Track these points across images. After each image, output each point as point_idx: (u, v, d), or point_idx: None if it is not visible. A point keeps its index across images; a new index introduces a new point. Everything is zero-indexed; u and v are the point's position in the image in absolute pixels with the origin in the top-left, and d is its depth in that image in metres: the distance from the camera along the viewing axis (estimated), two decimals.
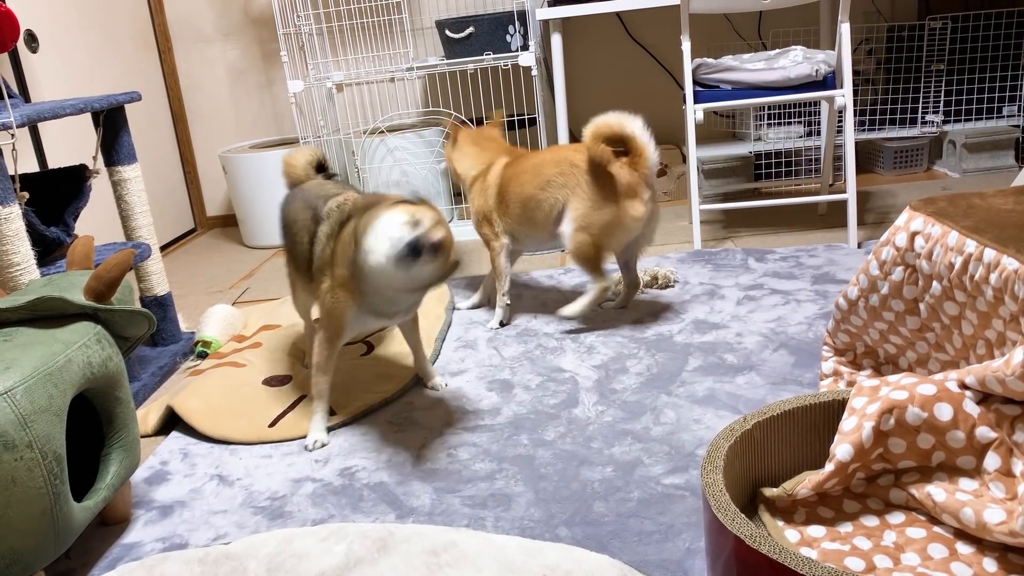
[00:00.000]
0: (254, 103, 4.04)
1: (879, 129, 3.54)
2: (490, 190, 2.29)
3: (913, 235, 1.35)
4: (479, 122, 3.45)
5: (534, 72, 3.26)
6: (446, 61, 3.34)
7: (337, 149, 3.71)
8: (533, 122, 3.52)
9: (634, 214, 2.10)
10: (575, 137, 3.91)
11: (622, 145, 2.09)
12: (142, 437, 1.92)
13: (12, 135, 1.76)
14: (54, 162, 2.94)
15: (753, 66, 2.72)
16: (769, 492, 1.22)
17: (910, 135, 3.51)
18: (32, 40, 2.99)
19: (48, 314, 1.42)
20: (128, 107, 2.33)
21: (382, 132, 3.44)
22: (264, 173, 3.52)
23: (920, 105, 3.50)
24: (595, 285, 2.17)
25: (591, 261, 2.15)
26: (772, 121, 3.65)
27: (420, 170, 3.42)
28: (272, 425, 1.85)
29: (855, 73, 2.98)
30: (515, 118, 3.51)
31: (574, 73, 3.88)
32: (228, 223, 4.17)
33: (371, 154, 3.41)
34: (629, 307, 2.36)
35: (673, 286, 2.48)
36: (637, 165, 2.08)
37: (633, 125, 2.07)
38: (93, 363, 1.38)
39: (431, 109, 3.83)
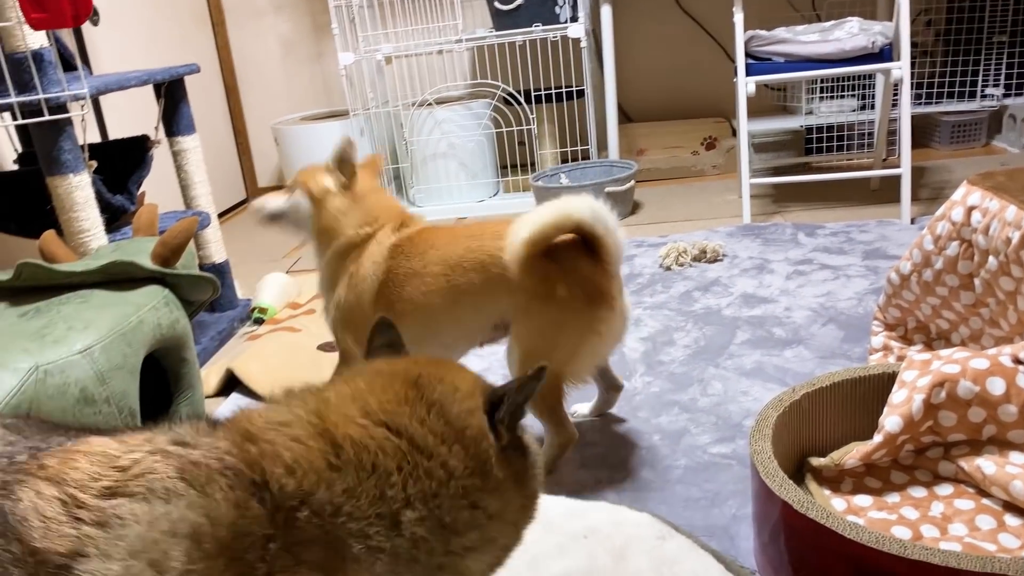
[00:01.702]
0: (305, 75, 4.09)
1: (936, 102, 3.46)
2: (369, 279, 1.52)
3: (970, 209, 1.34)
4: (527, 95, 3.45)
5: (583, 44, 3.25)
6: (495, 33, 3.34)
7: (386, 121, 3.75)
8: (581, 94, 3.52)
9: (609, 326, 1.39)
10: (624, 111, 3.89)
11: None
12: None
13: (82, 106, 1.82)
14: (114, 133, 3.03)
15: (807, 38, 2.68)
16: (816, 462, 1.23)
17: (969, 109, 3.42)
18: (94, 13, 3.07)
19: (119, 278, 1.49)
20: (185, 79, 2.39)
21: (430, 104, 3.47)
22: (315, 145, 3.58)
23: (980, 78, 3.40)
24: (556, 439, 1.43)
25: (548, 402, 1.40)
26: (825, 94, 3.59)
27: (467, 142, 3.44)
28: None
29: (913, 45, 2.91)
30: (563, 90, 3.51)
31: (623, 45, 3.85)
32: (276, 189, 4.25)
33: (419, 126, 3.45)
34: (679, 281, 2.36)
35: (721, 260, 2.48)
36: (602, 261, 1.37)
37: (583, 211, 1.32)
38: (162, 324, 1.44)
39: (479, 81, 3.85)
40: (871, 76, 3.42)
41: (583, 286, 1.35)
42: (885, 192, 2.97)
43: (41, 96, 1.70)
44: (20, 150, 2.41)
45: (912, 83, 2.64)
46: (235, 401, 1.95)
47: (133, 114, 3.19)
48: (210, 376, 2.03)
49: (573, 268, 1.35)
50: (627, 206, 3.13)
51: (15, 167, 2.42)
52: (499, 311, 1.41)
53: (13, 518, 0.60)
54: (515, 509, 0.76)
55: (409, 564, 0.69)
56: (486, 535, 0.72)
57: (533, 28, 3.25)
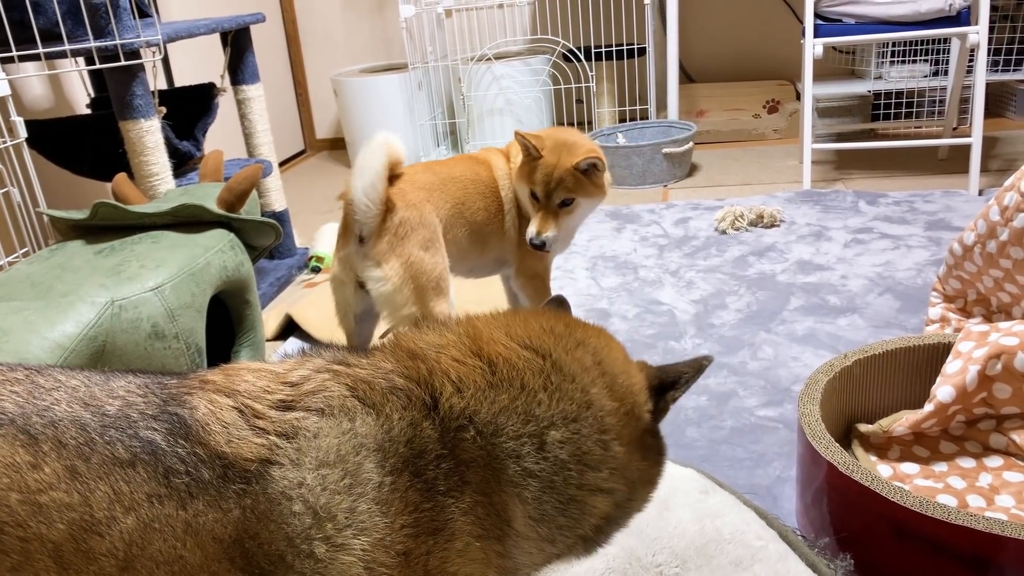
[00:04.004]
0: (365, 27, 4.11)
1: (1014, 70, 3.31)
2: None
3: None
4: (587, 52, 3.42)
5: (647, 0, 3.20)
6: None
7: (444, 75, 3.75)
8: (642, 52, 3.47)
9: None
10: (685, 71, 3.82)
11: None
12: None
13: (154, 53, 1.88)
14: (180, 80, 3.09)
15: None
16: (864, 428, 1.23)
17: None
18: None
19: (187, 220, 1.55)
20: None
21: (489, 59, 3.46)
22: (374, 97, 3.60)
23: None
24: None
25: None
26: (896, 59, 3.47)
27: (525, 99, 3.43)
28: (383, 337, 1.96)
29: (993, 8, 2.79)
30: (624, 48, 3.46)
31: (688, 3, 3.77)
32: (336, 146, 4.31)
33: (477, 81, 3.44)
34: (734, 245, 2.35)
35: (779, 225, 2.45)
36: None
37: None
38: (228, 267, 1.50)
39: (539, 37, 3.81)
40: (946, 40, 3.29)
41: None
42: (953, 162, 2.88)
43: (118, 41, 1.75)
44: (92, 95, 2.49)
45: (989, 49, 2.54)
46: (293, 345, 2.02)
47: (198, 62, 3.26)
48: (269, 320, 2.10)
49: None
50: (685, 168, 3.10)
51: (88, 111, 2.51)
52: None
53: (194, 423, 0.62)
54: (635, 469, 0.78)
55: (549, 491, 0.71)
56: (609, 482, 0.75)
57: None
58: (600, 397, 0.75)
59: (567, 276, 2.26)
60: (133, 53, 1.80)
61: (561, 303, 0.95)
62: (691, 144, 3.08)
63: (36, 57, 1.75)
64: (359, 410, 0.66)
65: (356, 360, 0.71)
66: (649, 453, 0.80)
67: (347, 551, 0.61)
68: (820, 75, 3.68)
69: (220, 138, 3.30)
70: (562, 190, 1.54)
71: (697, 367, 0.80)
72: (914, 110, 3.36)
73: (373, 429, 0.65)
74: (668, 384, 0.80)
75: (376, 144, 1.38)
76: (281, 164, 4.06)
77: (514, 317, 0.79)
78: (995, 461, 1.17)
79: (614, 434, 0.74)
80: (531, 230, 1.56)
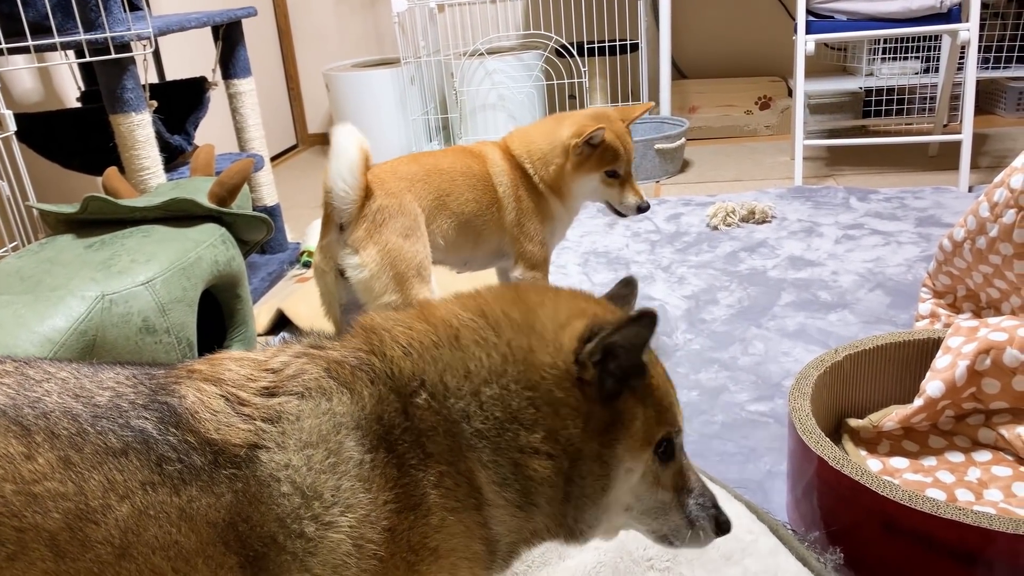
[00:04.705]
0: (358, 22, 4.09)
1: (1005, 67, 3.33)
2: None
3: None
4: (579, 47, 3.41)
5: None
6: None
7: (437, 70, 3.74)
8: (635, 48, 3.47)
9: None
10: (677, 67, 3.82)
11: None
12: None
13: (144, 46, 1.86)
14: (171, 74, 3.08)
15: None
16: (854, 423, 1.24)
17: None
18: None
19: (178, 215, 1.54)
20: None
21: (481, 54, 3.45)
22: (367, 92, 3.59)
23: None
24: None
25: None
26: (887, 55, 3.48)
27: (517, 94, 3.43)
28: None
29: (983, 6, 2.80)
30: (617, 43, 3.46)
31: None
32: (328, 141, 4.28)
33: (470, 76, 3.44)
34: (725, 241, 2.35)
35: (770, 221, 2.46)
36: None
37: None
38: (219, 261, 1.49)
39: (532, 32, 3.81)
40: (937, 37, 3.31)
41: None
42: (944, 159, 2.90)
43: (108, 34, 1.74)
44: (83, 88, 2.48)
45: (980, 46, 2.55)
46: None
47: (189, 56, 3.24)
48: (260, 315, 2.09)
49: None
50: (677, 164, 3.10)
51: (78, 105, 2.49)
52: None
53: (184, 411, 0.64)
54: (571, 436, 0.73)
55: (499, 453, 0.72)
56: (546, 444, 0.72)
57: None
58: (521, 350, 0.73)
59: (559, 271, 2.26)
60: (123, 46, 1.79)
61: (628, 283, 0.90)
62: (683, 140, 3.09)
63: (26, 50, 1.74)
64: (334, 389, 0.68)
65: (329, 343, 0.73)
66: (591, 423, 0.73)
67: (335, 528, 0.63)
68: (812, 72, 3.68)
69: (211, 132, 3.29)
70: (632, 151, 1.68)
71: (618, 323, 0.70)
72: (905, 107, 3.37)
73: (349, 408, 0.67)
74: (594, 334, 0.72)
75: (348, 130, 1.41)
76: (273, 159, 4.04)
77: (468, 292, 0.81)
78: (984, 456, 1.18)
79: (540, 392, 0.73)
80: (633, 199, 1.69)
